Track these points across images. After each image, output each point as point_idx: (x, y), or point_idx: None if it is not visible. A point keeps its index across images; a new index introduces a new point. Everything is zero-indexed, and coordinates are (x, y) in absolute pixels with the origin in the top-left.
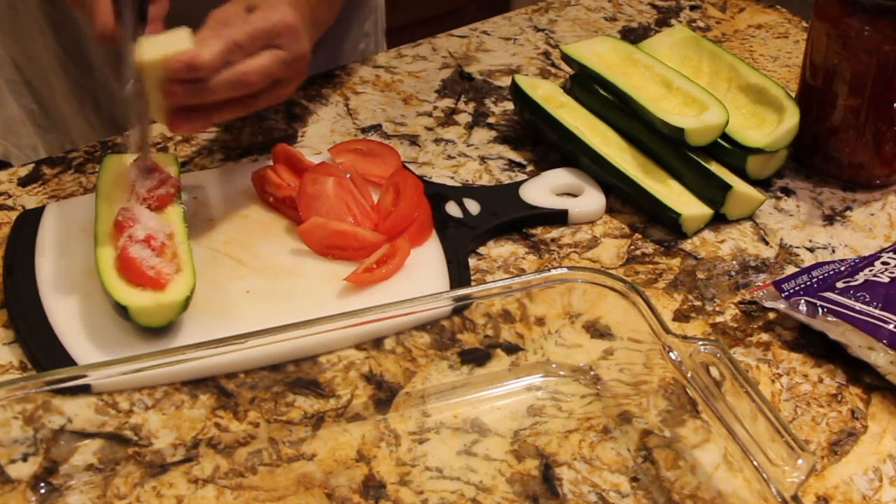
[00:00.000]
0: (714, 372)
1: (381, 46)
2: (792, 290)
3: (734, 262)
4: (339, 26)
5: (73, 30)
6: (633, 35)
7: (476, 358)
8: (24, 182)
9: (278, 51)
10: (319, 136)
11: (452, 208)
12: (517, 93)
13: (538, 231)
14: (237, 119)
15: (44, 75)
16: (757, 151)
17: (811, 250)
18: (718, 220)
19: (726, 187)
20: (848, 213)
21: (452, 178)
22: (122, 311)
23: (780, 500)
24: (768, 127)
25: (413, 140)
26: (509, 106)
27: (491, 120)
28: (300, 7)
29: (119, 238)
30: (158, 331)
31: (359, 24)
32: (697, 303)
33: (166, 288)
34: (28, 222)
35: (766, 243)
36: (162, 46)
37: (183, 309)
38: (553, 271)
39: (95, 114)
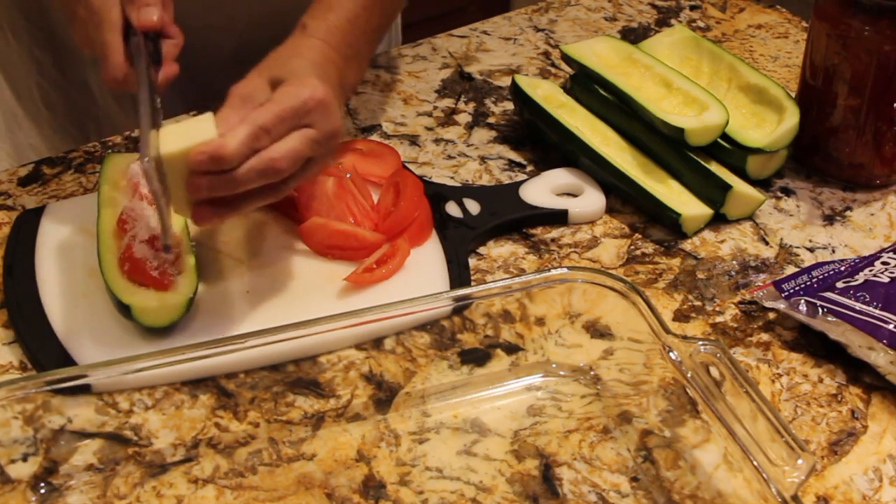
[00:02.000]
0: (714, 372)
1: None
2: (792, 290)
3: (734, 262)
4: None
5: (71, 60)
6: (633, 35)
7: (476, 358)
8: (24, 182)
9: (308, 130)
10: None
11: (452, 208)
12: (517, 93)
13: (538, 231)
14: None
15: (40, 107)
16: (757, 151)
17: (811, 250)
18: (718, 220)
19: (726, 187)
20: (848, 213)
21: (452, 178)
22: (124, 310)
23: (780, 500)
24: (768, 127)
25: (413, 140)
26: (509, 106)
27: (491, 120)
28: (330, 77)
29: (122, 237)
30: (158, 331)
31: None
32: (697, 303)
33: (170, 288)
34: (28, 222)
35: (766, 243)
36: (183, 137)
37: (186, 310)
38: (553, 271)
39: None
